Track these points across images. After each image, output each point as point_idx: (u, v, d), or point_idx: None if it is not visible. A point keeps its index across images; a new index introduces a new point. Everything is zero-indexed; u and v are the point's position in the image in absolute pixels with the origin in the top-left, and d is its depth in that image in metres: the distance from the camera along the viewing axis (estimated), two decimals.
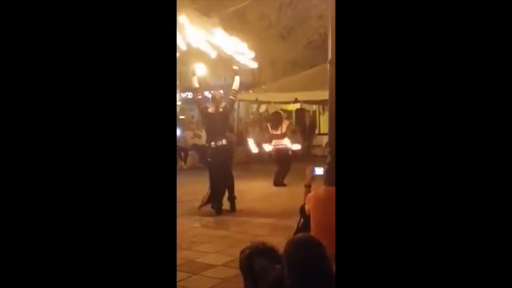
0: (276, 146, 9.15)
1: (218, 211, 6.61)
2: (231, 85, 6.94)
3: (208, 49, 6.63)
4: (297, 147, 9.82)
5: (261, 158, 10.24)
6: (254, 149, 8.09)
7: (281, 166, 9.13)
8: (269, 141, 9.27)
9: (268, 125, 9.57)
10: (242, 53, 6.55)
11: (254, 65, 6.74)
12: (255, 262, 2.04)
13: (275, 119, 9.52)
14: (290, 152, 9.29)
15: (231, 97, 6.94)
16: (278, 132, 9.24)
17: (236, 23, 11.01)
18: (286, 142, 9.21)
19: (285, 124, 9.45)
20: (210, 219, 6.38)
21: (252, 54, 6.58)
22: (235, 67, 6.93)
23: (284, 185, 8.93)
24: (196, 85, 6.83)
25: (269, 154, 9.39)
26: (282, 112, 10.36)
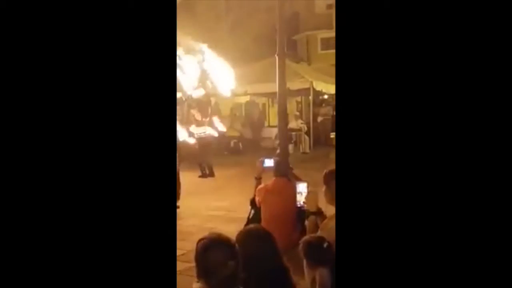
0: (200, 134, 8.97)
1: None
2: None
3: None
4: (222, 129, 9.52)
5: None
6: (182, 136, 7.75)
7: (206, 155, 9.11)
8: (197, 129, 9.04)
9: (195, 112, 9.24)
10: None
11: None
12: (210, 254, 2.04)
13: (205, 105, 9.26)
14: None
15: None
16: (207, 119, 9.06)
17: (184, 15, 10.90)
18: (210, 130, 9.08)
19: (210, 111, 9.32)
20: None
21: None
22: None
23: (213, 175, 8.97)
24: None
25: (194, 143, 8.98)
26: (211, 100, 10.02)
